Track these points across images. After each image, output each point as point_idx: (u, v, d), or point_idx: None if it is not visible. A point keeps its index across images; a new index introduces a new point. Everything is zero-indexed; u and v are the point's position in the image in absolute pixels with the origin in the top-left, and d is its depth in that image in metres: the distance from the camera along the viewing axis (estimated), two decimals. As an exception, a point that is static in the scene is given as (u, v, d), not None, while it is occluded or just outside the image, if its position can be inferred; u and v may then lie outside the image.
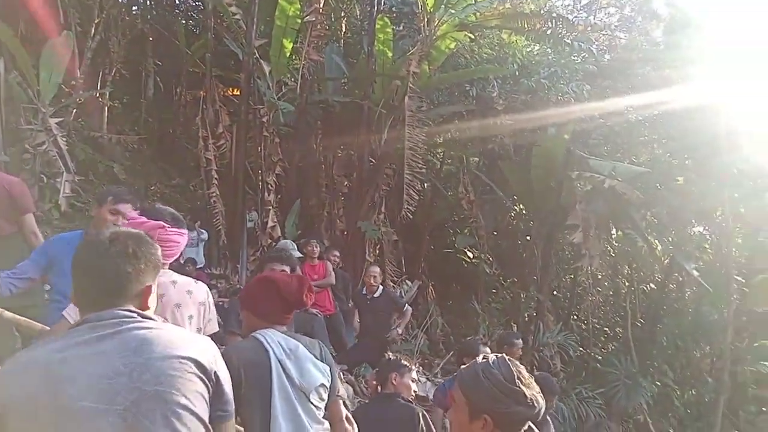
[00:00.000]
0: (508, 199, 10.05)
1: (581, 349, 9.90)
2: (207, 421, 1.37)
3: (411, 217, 8.28)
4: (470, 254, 10.38)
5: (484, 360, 1.63)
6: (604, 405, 8.11)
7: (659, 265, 10.86)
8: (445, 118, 9.52)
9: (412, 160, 7.87)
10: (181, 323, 2.16)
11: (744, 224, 9.17)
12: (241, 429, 2.48)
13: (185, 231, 2.30)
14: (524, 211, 10.50)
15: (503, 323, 8.95)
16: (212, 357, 1.43)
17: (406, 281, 9.07)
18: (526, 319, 9.60)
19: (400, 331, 6.22)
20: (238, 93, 8.99)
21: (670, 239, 10.10)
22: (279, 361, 2.41)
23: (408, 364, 3.47)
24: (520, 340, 5.56)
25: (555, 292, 10.86)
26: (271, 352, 2.40)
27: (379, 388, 3.44)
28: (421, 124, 8.06)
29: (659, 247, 10.45)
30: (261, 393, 2.38)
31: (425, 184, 9.59)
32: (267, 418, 2.35)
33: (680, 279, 10.51)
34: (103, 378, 1.24)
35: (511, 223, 10.76)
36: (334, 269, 6.38)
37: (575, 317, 10.68)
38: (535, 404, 1.55)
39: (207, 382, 1.39)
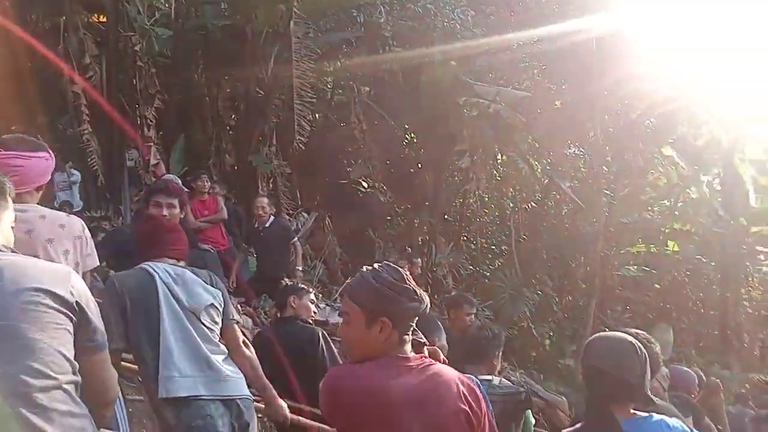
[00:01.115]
0: (400, 128, 10.17)
1: (471, 267, 10.53)
2: (71, 354, 1.31)
3: (304, 148, 8.17)
4: (365, 184, 10.48)
5: (370, 268, 1.67)
6: (493, 315, 8.75)
7: (539, 185, 11.60)
8: (334, 45, 9.29)
9: (302, 90, 7.68)
10: (56, 259, 2.02)
11: (612, 143, 9.95)
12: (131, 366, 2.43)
13: (37, 154, 2.10)
14: (415, 140, 10.69)
15: (398, 249, 9.25)
16: (72, 286, 1.36)
17: (303, 213, 9.05)
18: (420, 243, 10.00)
19: (300, 268, 6.27)
20: (104, 19, 8.17)
21: (548, 161, 10.80)
22: (165, 285, 2.38)
23: (306, 287, 3.51)
24: (419, 259, 5.82)
25: (446, 216, 11.31)
26: (156, 277, 2.36)
27: (278, 314, 3.47)
28: (309, 51, 7.82)
29: (539, 169, 11.13)
30: (148, 316, 2.34)
31: (316, 115, 9.43)
32: (157, 340, 2.32)
33: (557, 197, 11.31)
34: None
35: (403, 152, 10.93)
36: (225, 204, 6.23)
37: (465, 238, 11.25)
38: (424, 299, 1.64)
39: (68, 313, 1.32)
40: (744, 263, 10.73)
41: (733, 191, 10.35)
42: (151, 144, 7.70)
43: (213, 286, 2.55)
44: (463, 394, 1.69)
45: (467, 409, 1.69)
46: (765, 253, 11.79)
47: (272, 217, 5.99)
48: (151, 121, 7.83)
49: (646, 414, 1.92)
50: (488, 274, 10.38)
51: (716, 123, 10.47)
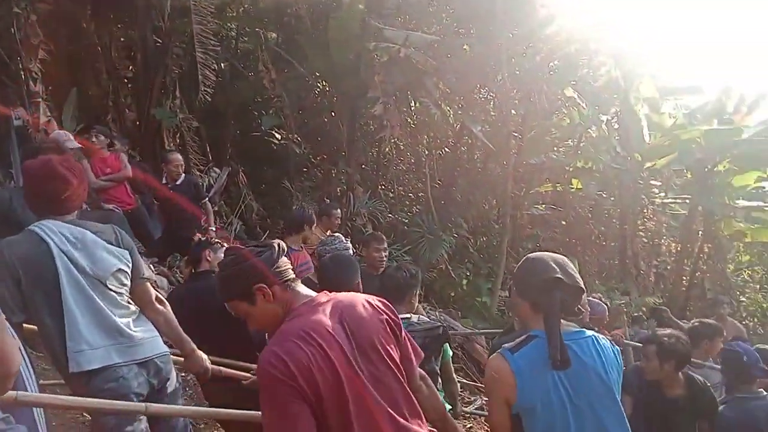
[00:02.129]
0: (311, 76, 9.91)
1: (390, 215, 10.66)
2: None
3: (210, 100, 7.81)
4: (278, 136, 10.22)
5: (223, 258, 1.79)
6: (412, 260, 8.97)
7: (452, 131, 11.80)
8: (235, -11, 8.81)
9: (203, 37, 7.26)
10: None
11: (520, 85, 10.22)
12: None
13: None
14: (327, 88, 10.48)
15: (316, 199, 9.18)
16: None
17: (214, 169, 8.74)
18: (339, 193, 9.97)
19: (213, 228, 6.11)
20: (-32, -41, 7.25)
21: (459, 105, 10.97)
22: (63, 252, 2.21)
23: (220, 241, 3.42)
24: (338, 210, 5.81)
25: (363, 166, 11.31)
26: (51, 243, 2.19)
27: (192, 270, 3.37)
28: (209, -4, 7.37)
29: (451, 114, 11.30)
30: (46, 288, 2.17)
31: (221, 64, 9.00)
32: (60, 312, 2.18)
33: (470, 142, 11.58)
34: None
35: (316, 101, 10.71)
36: (130, 161, 5.89)
37: (383, 186, 11.34)
38: (270, 244, 1.74)
39: None
40: (640, 197, 11.52)
41: (629, 129, 11.01)
42: (39, 100, 7.07)
43: (119, 246, 2.42)
44: (378, 306, 1.80)
45: (387, 317, 1.80)
46: (658, 186, 12.73)
47: (183, 175, 5.78)
48: (36, 74, 7.15)
49: (578, 328, 2.07)
50: (406, 220, 10.55)
51: (613, 64, 10.99)
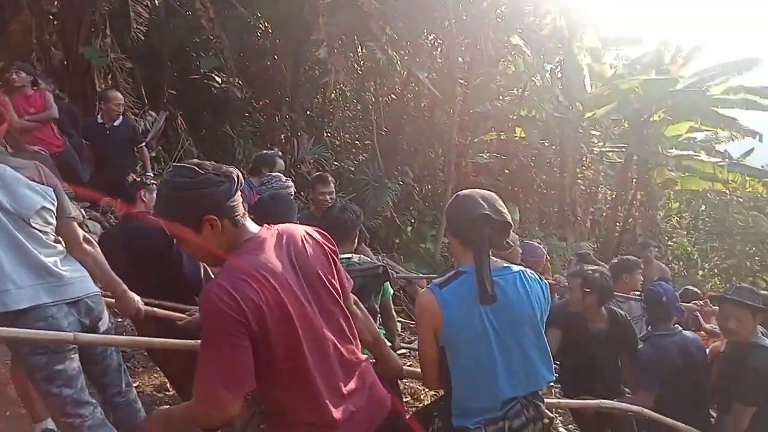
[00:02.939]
0: (252, 17, 9.50)
1: (336, 162, 10.59)
2: None
3: (144, 39, 7.40)
4: (218, 79, 9.83)
5: (161, 181, 1.68)
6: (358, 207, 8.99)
7: (399, 77, 11.68)
8: None
9: (134, -30, 6.82)
10: None
11: (467, 32, 10.13)
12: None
13: None
14: (270, 30, 10.10)
15: (259, 145, 8.98)
16: None
17: (150, 112, 8.36)
18: (283, 140, 9.78)
19: (151, 174, 5.92)
20: None
21: (406, 51, 10.82)
22: (-19, 189, 2.10)
23: (155, 182, 3.30)
24: (281, 161, 5.68)
25: (308, 112, 11.11)
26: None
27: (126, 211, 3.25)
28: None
29: (398, 60, 11.15)
30: None
31: (155, 1, 8.50)
32: (-19, 251, 2.09)
33: (416, 89, 11.51)
34: None
35: (258, 43, 10.32)
36: (57, 102, 5.56)
37: (328, 134, 11.20)
38: (230, 175, 1.65)
39: None
40: (579, 146, 11.84)
41: (572, 78, 11.19)
42: (-51, 36, 6.53)
43: (42, 183, 2.31)
44: (318, 238, 1.84)
45: (328, 248, 1.84)
46: (597, 136, 13.11)
47: (120, 117, 5.54)
48: (-54, 7, 6.59)
49: (506, 264, 2.12)
50: (352, 168, 10.50)
51: (559, 13, 11.03)
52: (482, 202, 2.04)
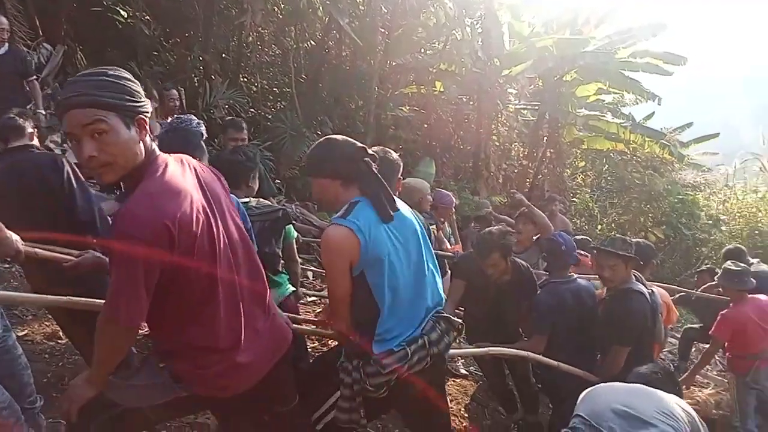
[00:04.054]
0: (161, -54, 8.84)
1: (252, 109, 10.25)
2: None
3: (37, -37, 6.71)
4: (124, 13, 9.12)
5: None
6: (273, 156, 8.80)
7: (320, 23, 11.34)
8: None
9: None
10: None
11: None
12: None
13: None
14: (180, -38, 9.44)
15: (167, 87, 8.50)
16: None
17: (44, 45, 7.68)
18: (196, 82, 9.32)
19: (43, 112, 5.47)
20: None
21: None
22: None
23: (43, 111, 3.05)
24: (174, 92, 5.41)
25: (224, 55, 10.60)
26: None
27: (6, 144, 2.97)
28: None
29: (319, 5, 10.80)
30: None
31: None
32: None
33: (338, 36, 11.23)
34: None
35: (168, -24, 9.63)
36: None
37: (245, 78, 10.77)
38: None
39: None
40: (496, 102, 12.08)
41: (491, 34, 11.30)
42: None
43: None
44: (212, 170, 1.92)
45: (222, 182, 1.93)
46: (513, 94, 13.43)
47: (7, 44, 5.04)
48: None
49: None
50: (270, 116, 10.21)
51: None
52: (351, 140, 2.15)
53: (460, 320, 2.39)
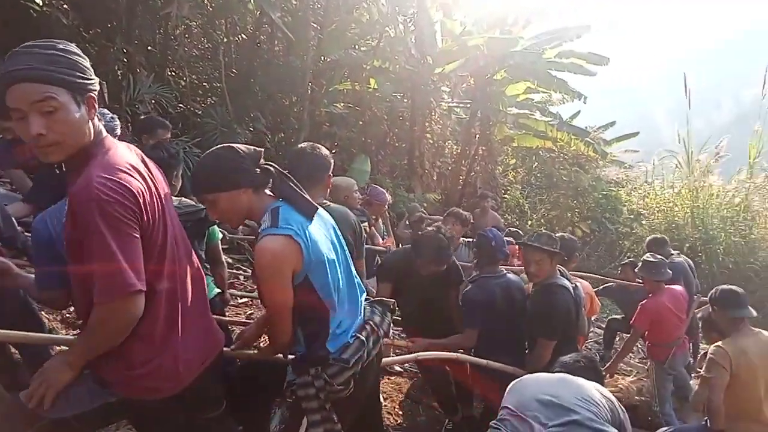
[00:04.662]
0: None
1: (180, 104, 9.91)
2: None
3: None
4: (39, 0, 8.57)
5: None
6: (202, 153, 8.52)
7: (251, 16, 11.10)
8: None
9: None
10: None
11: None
12: None
13: None
14: (100, -52, 8.96)
15: (89, 80, 8.06)
16: None
17: (-54, 33, 7.12)
18: (119, 76, 8.90)
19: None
20: None
21: (259, -12, 10.22)
22: None
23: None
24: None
25: (149, 48, 10.19)
26: None
27: None
28: None
29: (252, 1, 10.57)
30: None
31: None
32: None
33: (269, 31, 11.03)
34: None
35: (86, -37, 9.13)
36: None
37: (172, 72, 10.40)
38: None
39: None
40: (429, 100, 12.21)
41: (423, 32, 11.40)
42: None
43: None
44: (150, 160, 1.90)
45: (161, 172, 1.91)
46: (446, 92, 13.63)
47: None
48: None
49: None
50: (199, 111, 9.91)
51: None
52: (247, 146, 2.10)
53: (392, 300, 2.44)
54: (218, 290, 2.98)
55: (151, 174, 1.74)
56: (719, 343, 3.57)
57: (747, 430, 3.46)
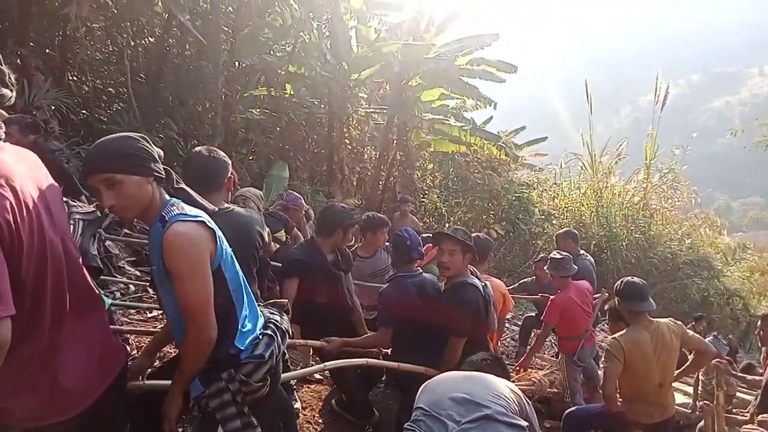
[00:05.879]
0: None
1: (84, 111, 9.40)
2: None
3: None
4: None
5: None
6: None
7: (159, 19, 10.68)
8: None
9: None
10: None
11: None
12: None
13: None
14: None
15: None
16: None
17: None
18: (15, 77, 8.28)
19: None
20: None
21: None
22: None
23: None
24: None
25: (47, 50, 9.58)
26: None
27: None
28: None
29: (159, 2, 10.19)
30: None
31: None
32: None
33: (179, 34, 10.66)
34: None
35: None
36: None
37: (74, 77, 9.83)
38: None
39: None
40: (346, 105, 12.24)
41: (338, 38, 11.43)
42: None
43: None
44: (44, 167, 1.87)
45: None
46: (364, 98, 13.73)
47: None
48: None
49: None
50: (105, 118, 9.42)
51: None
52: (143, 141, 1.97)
53: (285, 300, 2.44)
54: (110, 301, 2.84)
55: (39, 185, 1.64)
56: (616, 335, 3.87)
57: (642, 411, 3.87)
